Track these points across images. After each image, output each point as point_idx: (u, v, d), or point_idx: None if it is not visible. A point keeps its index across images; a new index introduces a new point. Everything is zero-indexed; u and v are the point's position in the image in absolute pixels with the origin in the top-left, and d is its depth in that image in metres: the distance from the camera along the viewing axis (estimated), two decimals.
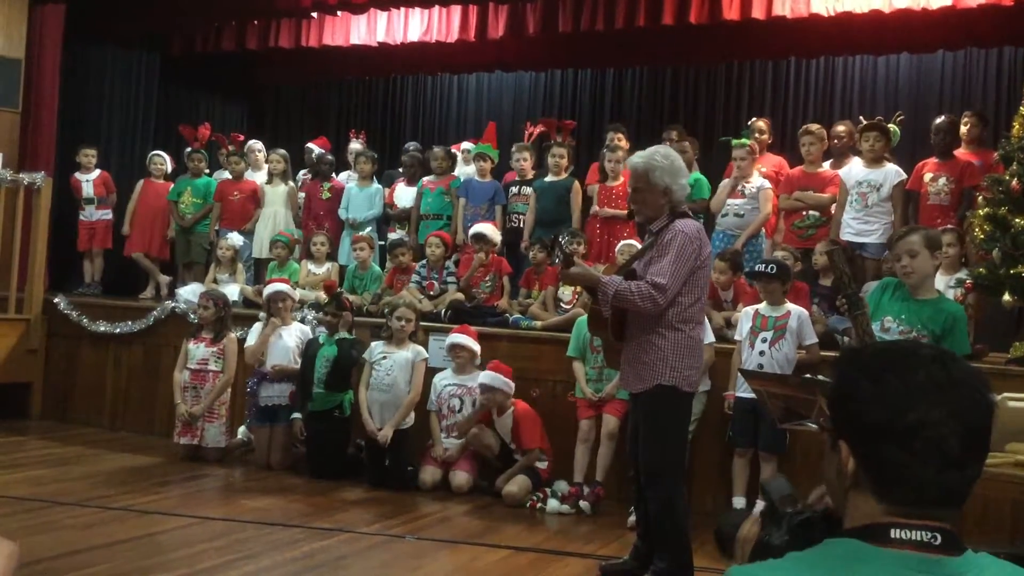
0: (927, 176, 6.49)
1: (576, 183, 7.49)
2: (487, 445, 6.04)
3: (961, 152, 6.69)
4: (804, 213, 6.77)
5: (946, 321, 4.00)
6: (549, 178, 7.55)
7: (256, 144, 9.22)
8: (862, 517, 1.30)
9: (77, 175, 8.86)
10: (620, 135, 7.78)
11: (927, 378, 1.27)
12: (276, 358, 6.62)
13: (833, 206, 6.77)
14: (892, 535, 1.26)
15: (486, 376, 5.99)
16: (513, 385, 6.01)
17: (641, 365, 4.16)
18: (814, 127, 6.99)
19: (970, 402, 1.28)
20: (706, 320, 5.65)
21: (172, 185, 8.98)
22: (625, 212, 6.91)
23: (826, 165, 7.06)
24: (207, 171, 9.00)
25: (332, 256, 8.08)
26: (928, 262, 4.05)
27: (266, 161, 8.81)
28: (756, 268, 5.61)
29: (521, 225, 7.62)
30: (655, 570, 4.22)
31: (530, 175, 7.77)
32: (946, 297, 4.50)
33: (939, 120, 6.68)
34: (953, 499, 1.28)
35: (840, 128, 7.27)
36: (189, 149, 9.07)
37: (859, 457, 1.31)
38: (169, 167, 9.11)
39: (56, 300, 8.06)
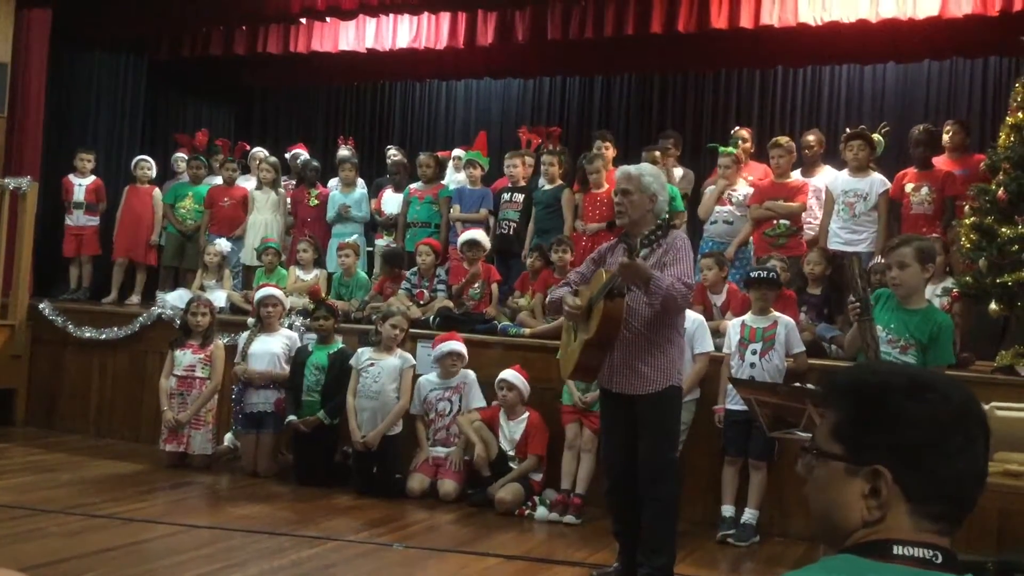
0: (908, 186, 6.52)
1: (568, 191, 7.50)
2: (486, 443, 5.99)
3: (943, 160, 6.73)
4: (775, 222, 6.80)
5: (932, 330, 4.03)
6: (545, 186, 7.58)
7: (260, 152, 9.21)
8: (870, 533, 1.29)
9: (71, 177, 8.79)
10: (607, 143, 7.80)
11: (959, 398, 1.30)
12: (260, 364, 6.59)
13: (803, 214, 6.82)
14: (895, 552, 1.26)
15: (509, 374, 5.99)
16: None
17: (649, 367, 4.23)
18: (783, 140, 7.02)
19: (985, 419, 1.32)
20: (706, 328, 5.70)
21: (156, 189, 8.94)
22: (606, 224, 6.94)
23: (796, 174, 7.10)
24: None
25: (319, 263, 8.05)
26: (918, 275, 4.07)
27: (258, 169, 8.80)
28: (757, 275, 5.60)
29: (511, 232, 7.62)
30: (654, 567, 4.22)
31: (522, 182, 7.77)
32: (935, 307, 4.52)
33: (916, 133, 6.67)
34: (969, 512, 1.32)
35: (810, 137, 7.34)
36: (183, 156, 9.04)
37: (902, 478, 1.29)
38: (155, 172, 9.06)
39: (41, 306, 8.00)
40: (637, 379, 4.24)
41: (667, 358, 4.27)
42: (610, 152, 7.69)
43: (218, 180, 8.93)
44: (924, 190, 6.46)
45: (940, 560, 1.26)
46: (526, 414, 6.00)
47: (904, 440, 1.29)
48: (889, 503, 1.29)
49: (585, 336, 4.21)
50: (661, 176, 4.54)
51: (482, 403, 6.19)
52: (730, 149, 7.14)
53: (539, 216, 7.48)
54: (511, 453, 5.96)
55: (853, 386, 1.37)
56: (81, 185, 8.78)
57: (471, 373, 6.24)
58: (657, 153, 7.51)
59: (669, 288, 4.06)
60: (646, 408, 4.25)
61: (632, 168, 4.44)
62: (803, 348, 5.53)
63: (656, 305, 4.13)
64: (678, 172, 7.81)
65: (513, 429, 5.99)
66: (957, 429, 1.29)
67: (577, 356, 4.28)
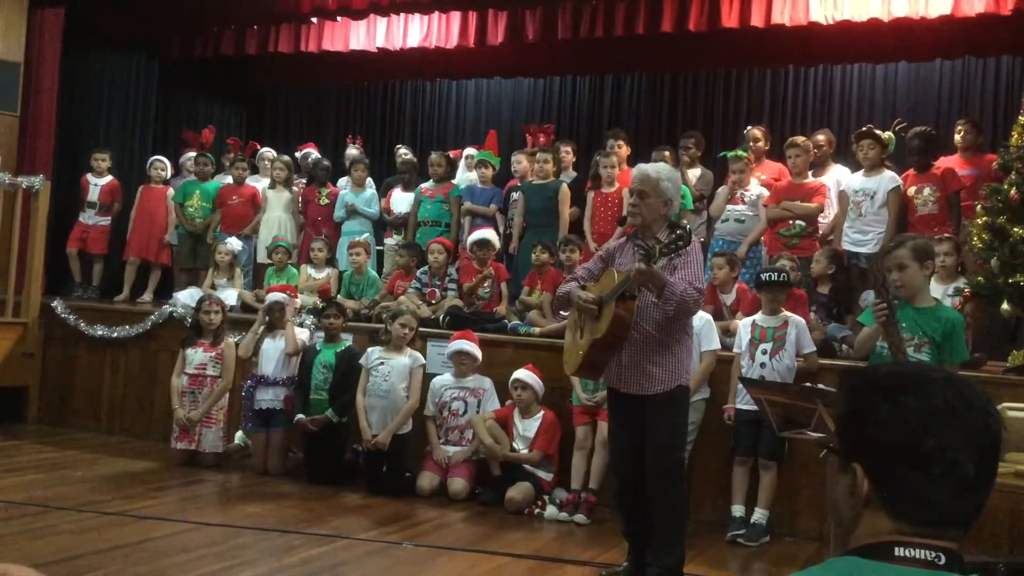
0: (911, 189, 6.49)
1: (564, 187, 7.49)
2: (495, 447, 6.00)
3: (954, 160, 6.70)
4: (790, 222, 6.79)
5: (945, 327, 4.02)
6: (537, 181, 7.56)
7: (269, 152, 9.24)
8: (870, 536, 1.31)
9: (89, 176, 8.86)
10: (620, 142, 7.79)
11: (944, 402, 1.29)
12: (270, 363, 6.61)
13: (820, 216, 6.80)
14: (896, 553, 1.27)
15: (523, 373, 5.99)
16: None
17: (658, 368, 4.24)
18: (800, 139, 7.02)
19: (983, 426, 1.30)
20: (713, 327, 5.70)
21: (169, 189, 8.98)
22: (618, 221, 6.93)
23: (808, 174, 7.08)
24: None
25: (331, 262, 8.07)
26: (918, 273, 4.07)
27: (271, 168, 8.83)
28: (768, 277, 5.59)
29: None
30: (664, 566, 4.22)
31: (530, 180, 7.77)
32: (944, 304, 4.51)
33: (911, 140, 6.61)
34: (965, 520, 1.30)
35: (820, 137, 7.33)
36: (194, 153, 9.08)
37: (875, 479, 1.31)
38: (169, 172, 9.10)
39: (54, 304, 8.04)
40: (646, 379, 4.25)
41: (676, 358, 4.28)
42: (623, 151, 7.69)
43: (228, 179, 8.96)
44: (927, 191, 6.43)
45: (943, 561, 1.26)
46: (541, 413, 6.00)
47: (875, 440, 1.31)
48: (868, 502, 1.31)
49: (593, 336, 4.22)
50: (678, 179, 4.52)
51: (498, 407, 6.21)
52: (740, 154, 7.12)
53: (534, 211, 7.46)
54: (524, 452, 5.96)
55: (849, 384, 1.39)
56: (97, 185, 8.83)
57: (488, 380, 6.25)
58: (667, 153, 7.51)
59: (682, 295, 4.07)
60: (655, 408, 4.25)
61: (651, 170, 4.36)
62: (814, 348, 5.52)
63: (669, 312, 4.13)
64: (696, 172, 7.79)
65: (527, 427, 5.99)
66: (928, 432, 1.27)
67: (584, 354, 4.29)
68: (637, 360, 4.25)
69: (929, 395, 1.29)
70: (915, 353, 4.00)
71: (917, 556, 1.26)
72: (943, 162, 6.67)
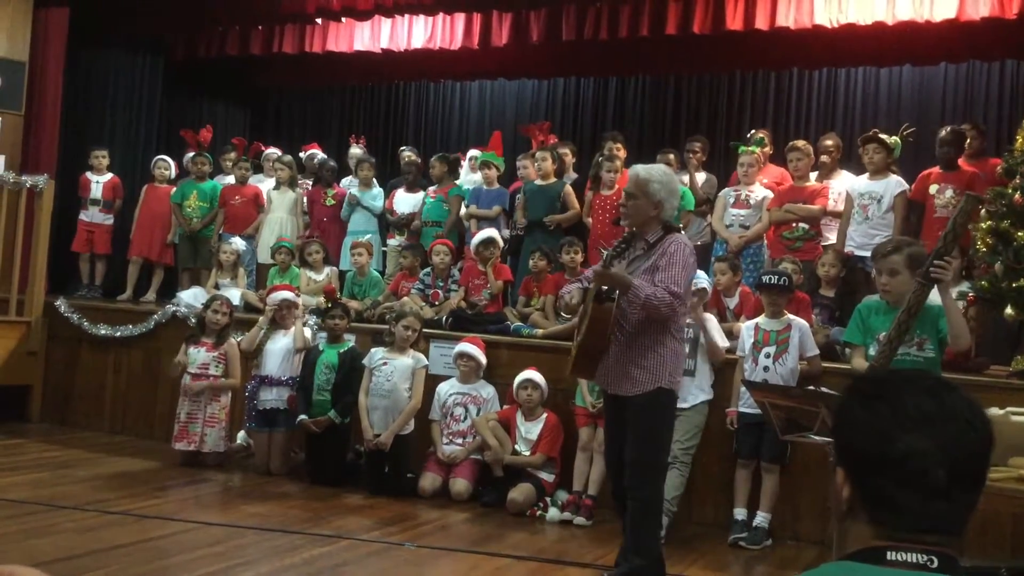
0: (933, 188, 6.47)
1: (568, 187, 7.48)
2: (500, 442, 6.01)
3: (963, 163, 6.69)
4: (793, 225, 6.78)
5: (936, 321, 4.02)
6: (538, 182, 7.55)
7: (274, 153, 9.26)
8: (856, 543, 1.32)
9: (89, 174, 8.88)
10: (619, 144, 7.79)
11: (916, 409, 1.29)
12: (275, 361, 6.61)
13: (825, 218, 6.80)
14: (889, 557, 1.28)
15: (532, 374, 6.00)
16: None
17: (639, 369, 4.22)
18: (800, 143, 7.00)
19: (961, 434, 1.29)
20: (716, 325, 5.70)
21: (173, 189, 8.98)
22: (612, 222, 6.94)
23: (813, 177, 7.05)
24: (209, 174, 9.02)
25: (331, 262, 8.06)
26: (908, 281, 4.07)
27: (274, 168, 8.84)
28: (769, 280, 5.58)
29: (523, 233, 7.61)
30: (633, 567, 4.23)
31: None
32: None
33: (943, 132, 6.64)
34: (944, 528, 1.29)
35: (828, 142, 7.30)
36: (193, 153, 9.08)
37: (852, 484, 1.33)
38: (173, 172, 9.11)
39: (57, 303, 8.04)
40: (627, 381, 4.25)
41: (658, 360, 4.22)
42: (622, 153, 7.69)
43: (230, 179, 8.97)
44: (948, 192, 6.40)
45: (936, 565, 1.26)
46: (544, 415, 6.00)
47: (852, 445, 1.33)
48: (852, 506, 1.33)
49: (577, 338, 4.27)
50: (672, 182, 4.38)
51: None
52: (752, 148, 7.11)
53: (537, 212, 7.45)
54: (526, 454, 5.96)
55: (844, 389, 1.42)
56: (98, 183, 8.85)
57: (491, 388, 6.26)
58: (671, 156, 7.50)
59: (648, 298, 4.03)
60: (634, 410, 4.25)
61: (642, 172, 4.31)
62: (817, 352, 5.51)
63: (634, 314, 4.12)
64: (700, 177, 7.78)
65: (530, 429, 5.99)
66: (896, 440, 1.28)
67: (574, 355, 4.35)
68: (621, 361, 4.26)
69: (903, 402, 1.30)
70: (919, 352, 4.01)
71: (909, 560, 1.27)
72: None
